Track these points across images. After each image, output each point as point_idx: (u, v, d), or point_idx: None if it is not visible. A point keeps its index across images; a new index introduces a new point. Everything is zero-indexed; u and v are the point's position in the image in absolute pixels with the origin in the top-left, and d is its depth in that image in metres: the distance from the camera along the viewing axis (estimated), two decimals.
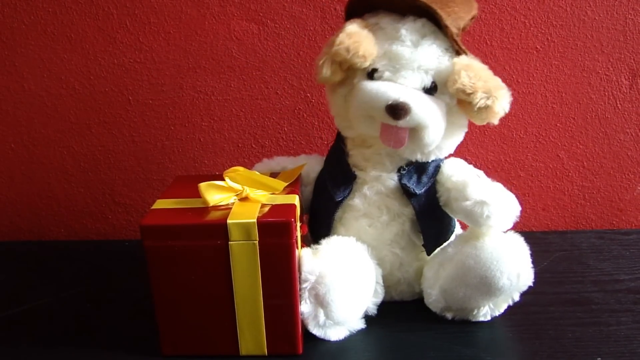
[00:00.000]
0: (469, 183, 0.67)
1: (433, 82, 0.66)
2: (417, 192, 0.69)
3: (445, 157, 0.72)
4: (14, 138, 0.97)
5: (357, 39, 0.64)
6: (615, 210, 0.98)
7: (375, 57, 0.65)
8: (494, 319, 0.69)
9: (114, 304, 0.77)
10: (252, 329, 0.63)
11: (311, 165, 0.76)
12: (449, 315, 0.70)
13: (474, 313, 0.69)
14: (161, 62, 0.92)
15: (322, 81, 0.68)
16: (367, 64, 0.65)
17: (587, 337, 0.66)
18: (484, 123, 0.65)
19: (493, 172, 0.95)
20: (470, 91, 0.62)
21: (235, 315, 0.63)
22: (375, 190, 0.70)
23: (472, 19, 0.70)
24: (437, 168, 0.70)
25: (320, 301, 0.63)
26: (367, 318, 0.69)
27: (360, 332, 0.68)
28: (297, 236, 0.64)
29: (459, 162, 0.71)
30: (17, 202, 1.00)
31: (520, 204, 0.68)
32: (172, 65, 0.92)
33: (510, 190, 0.68)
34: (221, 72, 0.93)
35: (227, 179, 0.66)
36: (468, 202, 0.66)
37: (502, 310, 0.69)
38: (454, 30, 0.65)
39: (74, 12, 0.90)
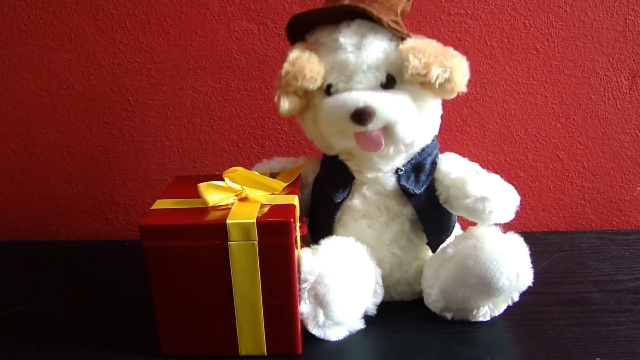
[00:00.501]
0: (467, 180, 0.67)
1: (388, 76, 0.65)
2: (416, 192, 0.69)
3: (441, 153, 0.72)
4: (13, 138, 0.97)
5: (301, 63, 0.64)
6: (615, 211, 0.98)
7: (325, 73, 0.66)
8: (493, 319, 0.69)
9: (114, 304, 0.77)
10: (251, 329, 0.63)
11: (310, 167, 0.76)
12: (448, 316, 0.70)
13: (474, 313, 0.69)
14: (161, 62, 0.92)
15: (286, 115, 0.68)
16: (319, 83, 0.65)
17: (587, 337, 0.66)
18: (454, 95, 0.64)
19: (493, 172, 0.95)
20: (424, 71, 0.62)
21: (235, 315, 0.63)
22: (374, 190, 0.70)
23: (408, 0, 0.69)
24: (434, 165, 0.70)
25: (319, 301, 0.63)
26: (367, 318, 0.69)
27: (359, 332, 0.68)
28: (296, 236, 0.64)
29: (455, 158, 0.71)
30: (17, 202, 1.00)
31: (520, 204, 0.68)
32: (172, 66, 0.92)
33: None
34: (221, 72, 0.93)
35: (226, 179, 0.66)
36: (469, 200, 0.66)
37: (501, 311, 0.69)
38: (389, 19, 0.64)
39: (74, 12, 0.90)
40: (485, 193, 0.65)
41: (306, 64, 0.64)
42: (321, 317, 0.64)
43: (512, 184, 0.68)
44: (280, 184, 0.68)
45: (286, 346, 0.64)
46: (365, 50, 0.65)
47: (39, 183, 0.99)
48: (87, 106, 0.95)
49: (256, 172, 0.69)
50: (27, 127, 0.96)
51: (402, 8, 0.68)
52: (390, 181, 0.70)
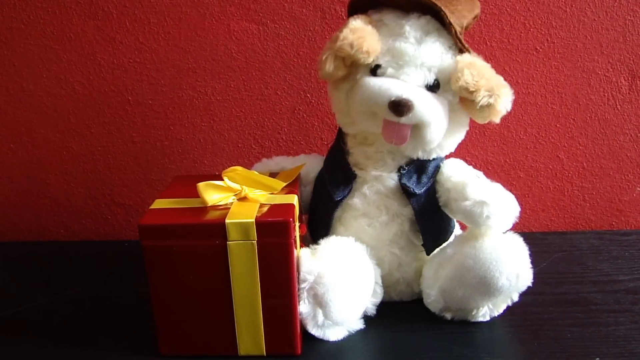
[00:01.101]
0: (468, 183, 0.67)
1: (436, 80, 0.66)
2: (416, 192, 0.69)
3: (446, 157, 0.72)
4: (13, 138, 0.97)
5: (361, 34, 0.64)
6: (615, 211, 0.98)
7: (379, 53, 0.65)
8: (493, 319, 0.69)
9: (113, 304, 0.77)
10: (250, 329, 0.63)
11: (310, 164, 0.76)
12: (448, 316, 0.70)
13: (473, 313, 0.69)
14: (161, 62, 0.92)
15: (324, 77, 0.68)
16: (370, 59, 0.65)
17: (586, 337, 0.66)
18: (486, 121, 0.66)
19: (493, 173, 0.95)
20: (473, 89, 0.62)
21: (234, 315, 0.62)
22: (374, 189, 0.70)
23: (474, 17, 0.70)
24: (437, 168, 0.70)
25: (319, 301, 0.63)
26: (366, 318, 0.69)
27: (359, 333, 0.68)
28: (295, 236, 0.64)
29: (459, 163, 0.72)
30: (17, 203, 1.00)
31: (520, 204, 0.68)
32: (172, 66, 0.92)
33: (510, 191, 0.68)
34: (221, 73, 0.93)
35: (225, 178, 0.66)
36: (467, 202, 0.66)
37: (501, 311, 0.69)
38: (457, 28, 0.65)
39: (74, 12, 0.90)
40: (485, 197, 0.65)
41: (367, 36, 0.64)
42: (320, 317, 0.64)
43: (512, 185, 0.69)
44: (279, 184, 0.68)
45: (285, 346, 0.64)
46: (425, 46, 0.65)
47: (39, 183, 0.99)
48: (87, 106, 0.95)
49: (255, 172, 0.69)
50: (27, 127, 0.96)
51: (468, 22, 0.68)
52: (392, 180, 0.70)
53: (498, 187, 0.68)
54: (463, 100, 0.65)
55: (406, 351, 0.65)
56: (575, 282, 0.78)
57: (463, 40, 0.66)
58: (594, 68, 0.91)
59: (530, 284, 0.67)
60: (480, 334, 0.67)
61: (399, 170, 0.69)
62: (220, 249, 0.60)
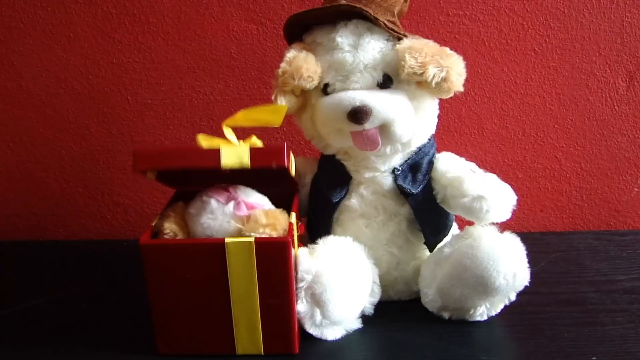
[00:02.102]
0: (464, 179, 0.67)
1: (385, 75, 0.66)
2: (413, 191, 0.69)
3: (438, 152, 0.72)
4: (12, 137, 0.97)
5: (298, 62, 0.65)
6: (613, 212, 0.98)
7: (322, 72, 0.66)
8: (490, 318, 0.69)
9: (112, 304, 0.78)
10: (248, 328, 0.63)
11: (307, 167, 0.76)
12: (445, 315, 0.70)
13: (471, 313, 0.69)
14: (160, 62, 0.92)
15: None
16: (315, 83, 0.66)
17: (583, 336, 0.66)
18: (451, 94, 0.65)
19: (490, 172, 0.95)
20: (421, 71, 0.62)
21: (232, 314, 0.63)
22: (371, 190, 0.70)
23: (405, 0, 0.69)
24: (431, 164, 0.71)
25: (316, 301, 0.64)
26: (364, 317, 0.69)
27: (357, 332, 0.68)
28: (293, 235, 0.64)
29: (452, 157, 0.72)
30: (16, 202, 1.00)
31: (518, 204, 0.68)
32: (171, 65, 0.92)
33: None
34: (220, 72, 0.93)
35: (225, 127, 0.65)
36: (466, 199, 0.66)
37: (498, 310, 0.69)
38: (386, 19, 0.65)
39: (73, 11, 0.90)
40: (482, 192, 0.65)
41: (303, 64, 0.64)
42: (318, 317, 0.64)
43: (510, 185, 0.68)
44: (278, 111, 0.65)
45: (283, 345, 0.64)
46: (362, 50, 0.65)
47: (38, 183, 0.99)
48: (86, 106, 0.95)
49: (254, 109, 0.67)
50: (26, 127, 0.96)
51: (399, 9, 0.68)
52: (387, 181, 0.70)
53: (493, 178, 0.68)
54: (419, 84, 0.65)
55: (404, 350, 0.65)
56: (573, 282, 0.79)
57: (397, 27, 0.66)
58: (592, 69, 0.91)
59: (527, 284, 0.67)
60: (478, 333, 0.68)
61: (393, 171, 0.70)
62: (218, 247, 0.61)
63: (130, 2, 0.90)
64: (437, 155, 0.71)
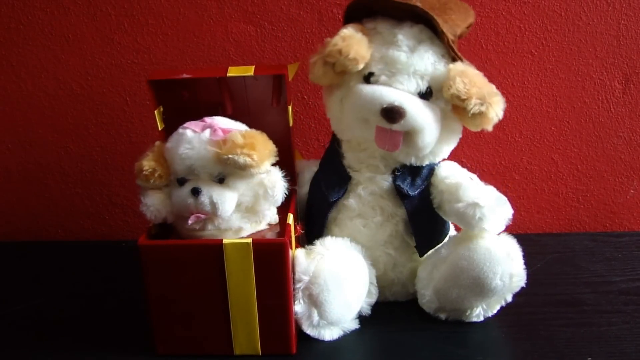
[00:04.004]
0: (461, 185, 0.67)
1: (428, 87, 0.66)
2: (410, 193, 0.69)
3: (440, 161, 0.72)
4: (11, 138, 0.97)
5: (350, 42, 0.64)
6: (609, 213, 0.98)
7: (371, 60, 0.66)
8: (486, 319, 0.70)
9: (110, 304, 0.78)
10: (246, 329, 0.64)
11: (307, 166, 0.77)
12: (442, 316, 0.70)
13: (467, 314, 0.69)
14: (159, 63, 0.93)
15: (313, 80, 0.68)
16: (359, 67, 0.65)
17: (579, 337, 0.66)
18: (479, 129, 0.66)
19: (488, 174, 0.96)
20: (465, 97, 0.63)
21: (229, 314, 0.63)
22: (369, 190, 0.71)
23: (468, 27, 0.70)
24: (431, 171, 0.71)
25: (314, 301, 0.64)
26: (361, 318, 0.70)
27: (354, 332, 0.68)
28: (291, 236, 0.64)
29: (453, 165, 0.72)
30: (14, 203, 1.01)
31: (515, 206, 0.68)
32: (170, 67, 0.93)
33: (505, 193, 0.68)
34: None
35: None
36: (460, 204, 0.66)
37: (495, 311, 0.70)
38: (450, 37, 0.66)
39: (72, 12, 0.91)
40: (478, 199, 0.65)
41: (355, 45, 0.64)
42: (315, 317, 0.65)
43: (507, 186, 0.69)
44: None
45: (280, 346, 0.64)
46: (418, 55, 0.66)
47: (37, 183, 0.99)
48: (85, 107, 0.95)
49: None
50: (25, 128, 0.96)
51: (462, 31, 0.69)
52: (386, 181, 0.70)
53: (491, 189, 0.68)
54: (455, 108, 0.66)
55: (401, 351, 0.65)
56: (569, 283, 0.79)
57: (456, 49, 0.67)
58: (588, 71, 0.91)
59: (524, 285, 0.67)
60: (474, 334, 0.68)
61: (393, 172, 0.70)
62: (215, 248, 0.61)
63: (129, 3, 0.90)
64: (441, 163, 0.72)
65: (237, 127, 0.66)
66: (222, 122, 0.65)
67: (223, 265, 0.61)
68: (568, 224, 0.99)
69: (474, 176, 0.71)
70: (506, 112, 0.87)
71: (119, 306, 0.77)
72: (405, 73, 0.66)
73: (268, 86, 0.72)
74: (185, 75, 0.69)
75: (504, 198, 0.67)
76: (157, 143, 0.67)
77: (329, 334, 0.67)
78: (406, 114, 0.64)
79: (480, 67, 0.90)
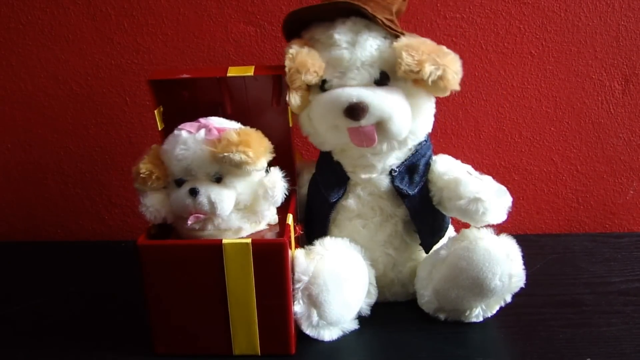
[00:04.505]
0: (461, 181, 0.67)
1: (382, 72, 0.66)
2: (410, 193, 0.69)
3: (435, 154, 0.72)
4: (10, 138, 0.97)
5: (301, 58, 0.65)
6: (608, 214, 0.98)
7: (324, 68, 0.66)
8: (486, 320, 0.70)
9: (109, 304, 0.78)
10: (245, 329, 0.64)
11: (305, 167, 0.77)
12: (441, 316, 0.70)
13: (467, 314, 0.69)
14: (158, 63, 0.93)
15: (298, 111, 0.69)
16: (320, 77, 0.66)
17: (578, 338, 0.66)
18: (447, 93, 0.65)
19: (487, 175, 0.95)
20: (417, 68, 0.63)
21: (229, 314, 0.63)
22: (368, 191, 0.71)
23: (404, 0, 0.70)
24: (427, 166, 0.71)
25: (313, 301, 0.64)
26: (361, 318, 0.70)
27: (353, 333, 0.68)
28: (290, 236, 0.64)
29: (448, 159, 0.72)
30: (14, 203, 1.01)
31: (515, 207, 0.68)
32: (170, 67, 0.93)
33: None
34: None
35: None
36: (462, 201, 0.66)
37: (494, 312, 0.70)
38: (384, 17, 0.66)
39: (72, 12, 0.91)
40: (479, 194, 0.65)
41: (307, 59, 0.65)
42: (315, 317, 0.65)
43: (507, 187, 0.69)
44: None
45: (280, 346, 0.64)
46: (359, 47, 0.66)
47: (36, 183, 0.99)
48: (85, 107, 0.95)
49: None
50: (24, 128, 0.96)
51: (398, 7, 0.69)
52: (384, 182, 0.70)
53: (489, 180, 0.68)
54: (416, 81, 0.65)
55: (400, 351, 0.65)
56: (568, 284, 0.79)
57: (395, 25, 0.66)
58: (588, 72, 0.91)
59: (523, 285, 0.67)
60: (474, 334, 0.68)
61: (390, 172, 0.70)
62: (215, 248, 0.61)
63: (129, 3, 0.90)
64: (434, 158, 0.72)
65: (231, 126, 0.66)
66: (216, 122, 0.65)
67: (222, 266, 0.61)
68: (567, 224, 0.99)
69: (470, 168, 0.71)
70: (505, 112, 0.87)
71: (118, 306, 0.77)
72: (353, 68, 0.66)
73: (268, 86, 0.72)
74: (185, 75, 0.69)
75: (503, 188, 0.68)
76: (153, 146, 0.68)
77: (329, 334, 0.67)
78: (368, 107, 0.64)
79: (479, 68, 0.91)
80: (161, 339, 0.65)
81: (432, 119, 0.70)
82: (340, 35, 0.66)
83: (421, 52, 0.63)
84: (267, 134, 0.66)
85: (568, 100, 0.93)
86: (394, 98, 0.65)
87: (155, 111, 0.70)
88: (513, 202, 0.68)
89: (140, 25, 0.91)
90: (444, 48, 0.65)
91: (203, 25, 0.91)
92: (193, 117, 0.66)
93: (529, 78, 0.92)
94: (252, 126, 0.67)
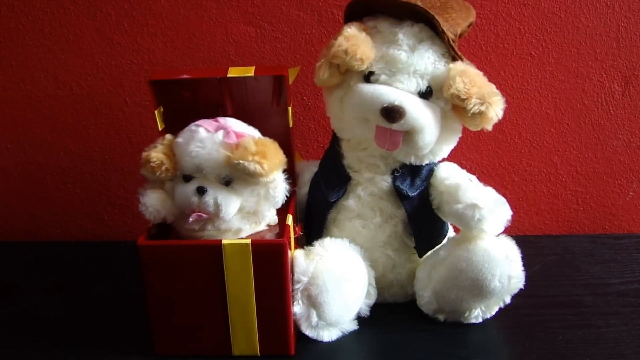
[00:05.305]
0: (461, 186, 0.67)
1: (429, 87, 0.66)
2: (410, 194, 0.69)
3: (439, 161, 0.72)
4: (10, 138, 0.97)
5: (355, 42, 0.64)
6: (608, 215, 0.98)
7: (372, 60, 0.66)
8: (485, 321, 0.70)
9: (109, 304, 0.78)
10: (244, 329, 0.64)
11: (307, 166, 0.77)
12: (441, 317, 0.70)
13: (466, 315, 0.69)
14: (158, 63, 0.93)
15: (320, 84, 0.69)
16: (364, 67, 0.65)
17: (577, 339, 0.67)
18: (478, 129, 0.66)
19: (487, 176, 0.96)
20: (465, 97, 0.63)
21: (228, 315, 0.63)
22: (369, 191, 0.71)
23: (469, 25, 0.70)
24: (431, 171, 0.71)
25: (312, 302, 0.64)
26: (360, 319, 0.70)
27: (352, 334, 0.68)
28: (290, 237, 0.64)
29: (453, 166, 0.72)
30: (13, 203, 1.00)
31: (514, 208, 0.68)
32: (170, 67, 0.93)
33: (504, 194, 0.68)
34: None
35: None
36: (459, 205, 0.66)
37: (493, 313, 0.70)
38: (450, 36, 0.66)
39: (72, 12, 0.91)
40: (477, 201, 0.65)
41: (360, 44, 0.64)
42: (314, 318, 0.65)
43: (506, 188, 0.69)
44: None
45: (279, 346, 0.64)
46: (418, 54, 0.66)
47: (36, 183, 0.99)
48: (84, 107, 0.95)
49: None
50: (24, 127, 0.96)
51: (462, 30, 0.69)
52: (386, 182, 0.70)
53: (490, 190, 0.68)
54: (455, 107, 0.66)
55: (399, 352, 0.65)
56: (568, 285, 0.79)
57: (456, 48, 0.67)
58: (587, 73, 0.92)
59: (522, 287, 0.67)
60: (473, 335, 0.68)
61: (392, 172, 0.70)
62: (214, 249, 0.61)
63: (129, 3, 0.90)
64: (439, 164, 0.72)
65: (250, 132, 0.66)
66: (235, 125, 0.65)
67: (222, 266, 0.61)
68: (567, 225, 0.99)
69: (474, 177, 0.71)
70: (505, 113, 0.87)
71: (117, 306, 0.77)
72: (405, 72, 0.66)
73: (268, 87, 0.72)
74: (185, 76, 0.69)
75: (503, 199, 0.67)
76: (168, 136, 0.67)
77: (328, 335, 0.67)
78: (406, 114, 0.64)
79: (480, 68, 0.90)
80: (161, 339, 0.65)
81: (452, 147, 0.71)
82: (404, 37, 0.66)
83: (473, 83, 0.63)
84: (267, 134, 0.66)
85: (568, 102, 0.93)
86: (432, 114, 0.65)
87: (156, 111, 0.70)
88: (512, 204, 0.68)
89: (140, 25, 0.91)
90: (494, 87, 0.65)
91: (203, 25, 0.91)
92: (193, 117, 0.66)
93: (529, 79, 0.92)
94: (252, 126, 0.67)
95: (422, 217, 0.71)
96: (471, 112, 0.63)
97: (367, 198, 0.71)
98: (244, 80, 0.71)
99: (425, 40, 0.66)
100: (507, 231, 0.68)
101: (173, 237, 0.67)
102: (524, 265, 0.67)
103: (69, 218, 1.01)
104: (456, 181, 0.69)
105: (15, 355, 0.67)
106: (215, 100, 0.72)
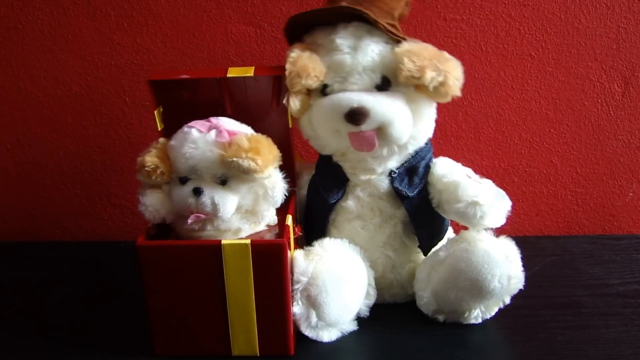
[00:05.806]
0: (459, 184, 0.67)
1: (384, 78, 0.66)
2: (409, 194, 0.69)
3: (435, 157, 0.72)
4: (10, 138, 0.97)
5: (302, 62, 0.65)
6: (608, 216, 0.98)
7: (325, 73, 0.66)
8: (485, 321, 0.70)
9: (109, 304, 0.78)
10: (244, 330, 0.64)
11: (305, 168, 0.77)
12: (440, 318, 0.70)
13: (465, 316, 0.69)
14: (158, 63, 0.93)
15: (298, 115, 0.69)
16: (320, 82, 0.66)
17: (577, 339, 0.66)
18: (449, 99, 0.65)
19: (487, 177, 0.95)
20: (419, 74, 0.63)
21: (228, 315, 0.63)
22: (367, 192, 0.71)
23: (406, 4, 0.70)
24: (427, 168, 0.71)
25: (312, 302, 0.64)
26: (359, 320, 0.70)
27: (352, 334, 0.68)
28: (290, 237, 0.64)
29: (448, 162, 0.72)
30: (13, 203, 1.00)
31: (514, 209, 0.68)
32: (169, 67, 0.93)
33: None
34: None
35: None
36: (460, 204, 0.66)
37: (493, 313, 0.70)
38: (386, 22, 0.66)
39: (72, 12, 0.91)
40: (477, 198, 0.65)
41: (308, 63, 0.65)
42: (314, 318, 0.65)
43: (506, 189, 0.69)
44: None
45: (278, 347, 0.64)
46: (361, 52, 0.66)
47: (35, 184, 0.99)
48: (84, 107, 0.95)
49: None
50: (24, 128, 0.96)
51: (400, 12, 0.69)
52: (384, 183, 0.70)
53: (488, 184, 0.68)
54: (417, 87, 0.66)
55: (399, 353, 0.65)
56: (567, 286, 0.79)
57: (397, 31, 0.67)
58: (587, 74, 0.92)
59: (522, 287, 0.67)
60: (473, 336, 0.68)
61: (389, 174, 0.70)
62: (214, 249, 0.61)
63: (128, 3, 0.90)
64: (435, 160, 0.72)
65: (243, 130, 0.66)
66: (227, 124, 0.65)
67: (222, 266, 0.61)
68: (567, 226, 0.99)
69: (470, 171, 0.70)
70: (505, 114, 0.87)
71: (117, 307, 0.77)
72: (355, 73, 0.66)
73: (268, 87, 0.72)
74: (185, 76, 0.69)
75: (502, 192, 0.68)
76: (161, 139, 0.67)
77: (327, 336, 0.67)
78: (369, 112, 0.64)
79: (479, 69, 0.91)
80: (160, 340, 0.65)
81: (433, 124, 0.70)
82: (342, 40, 0.66)
83: (423, 57, 0.63)
84: (267, 134, 0.66)
85: (568, 102, 0.93)
86: (395, 103, 0.65)
87: (155, 111, 0.70)
88: (512, 204, 0.68)
89: (140, 25, 0.91)
90: (446, 54, 0.65)
91: (203, 25, 0.91)
92: (193, 117, 0.66)
93: (529, 80, 0.92)
94: (252, 127, 0.67)
95: (424, 215, 0.71)
96: (431, 85, 0.63)
97: (366, 199, 0.71)
98: (243, 81, 0.72)
99: (363, 36, 0.66)
100: (507, 232, 0.68)
101: (172, 237, 0.67)
102: (523, 265, 0.67)
103: (69, 218, 1.01)
104: (454, 178, 0.68)
105: (15, 355, 0.67)
106: (215, 100, 0.72)
